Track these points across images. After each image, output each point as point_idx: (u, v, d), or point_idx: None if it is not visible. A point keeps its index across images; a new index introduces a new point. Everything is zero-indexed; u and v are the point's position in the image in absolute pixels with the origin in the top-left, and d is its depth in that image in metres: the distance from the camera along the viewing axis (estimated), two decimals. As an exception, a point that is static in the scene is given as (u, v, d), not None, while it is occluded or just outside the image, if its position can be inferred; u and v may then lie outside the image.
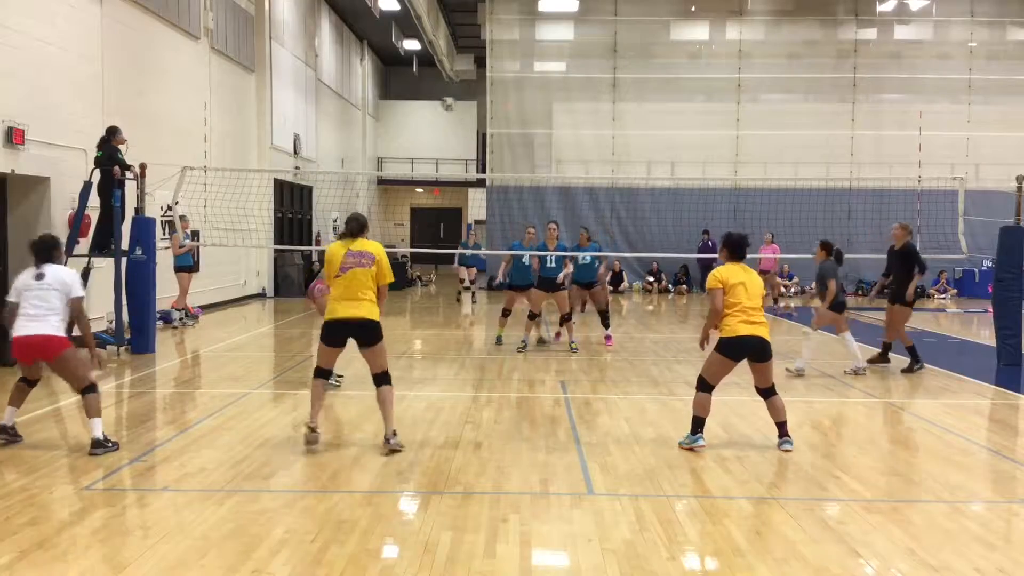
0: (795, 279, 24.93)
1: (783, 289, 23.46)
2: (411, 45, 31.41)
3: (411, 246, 34.15)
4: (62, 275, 7.11)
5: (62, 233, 12.28)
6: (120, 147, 12.16)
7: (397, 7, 25.22)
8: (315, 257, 23.77)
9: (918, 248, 11.59)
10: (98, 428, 6.78)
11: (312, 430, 6.86)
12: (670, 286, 25.05)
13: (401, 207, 37.21)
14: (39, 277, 7.10)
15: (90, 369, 7.08)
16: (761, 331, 6.85)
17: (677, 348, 13.26)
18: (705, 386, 7.01)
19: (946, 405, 9.04)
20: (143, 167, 12.37)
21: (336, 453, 6.83)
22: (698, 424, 7.02)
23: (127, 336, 11.84)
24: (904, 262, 11.19)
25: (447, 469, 6.39)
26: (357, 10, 27.48)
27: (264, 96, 21.50)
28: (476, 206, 34.87)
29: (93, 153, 12.20)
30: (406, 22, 27.18)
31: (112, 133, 12.13)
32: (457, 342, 13.98)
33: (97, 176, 12.11)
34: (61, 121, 12.36)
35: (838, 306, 10.73)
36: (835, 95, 26.30)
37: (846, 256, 21.04)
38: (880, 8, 26.38)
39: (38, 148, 11.80)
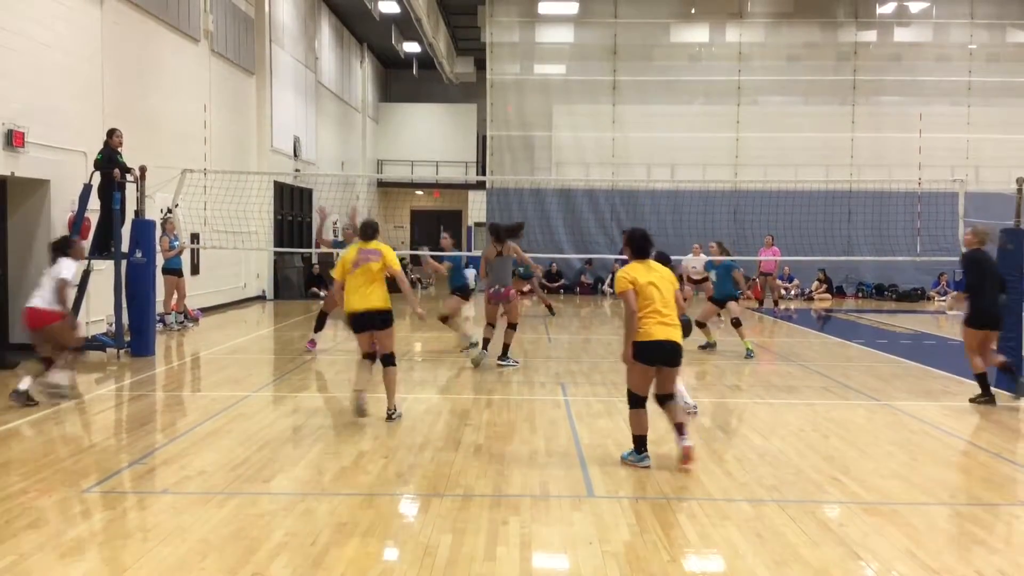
0: (795, 281, 24.94)
1: (783, 292, 23.47)
2: (411, 48, 31.43)
3: (411, 248, 34.13)
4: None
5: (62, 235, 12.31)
6: (118, 148, 12.15)
7: (397, 9, 25.24)
8: (315, 259, 23.77)
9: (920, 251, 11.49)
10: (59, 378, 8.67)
11: (359, 398, 7.87)
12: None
13: (401, 210, 37.19)
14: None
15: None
16: (676, 335, 6.48)
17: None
18: (636, 401, 6.54)
19: (946, 407, 9.03)
20: (143, 169, 12.37)
21: (336, 456, 6.82)
22: (640, 442, 6.58)
23: (127, 339, 11.84)
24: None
25: (447, 471, 6.38)
26: (357, 12, 27.50)
27: (264, 99, 21.52)
28: (476, 209, 34.83)
29: (93, 155, 12.21)
30: (406, 24, 27.21)
31: (110, 135, 12.13)
32: (457, 344, 13.97)
33: (97, 179, 12.11)
34: (61, 124, 12.37)
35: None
36: (835, 97, 26.33)
37: (846, 257, 21.08)
38: (880, 10, 26.42)
39: (38, 151, 11.80)
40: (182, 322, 15.10)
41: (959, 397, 9.66)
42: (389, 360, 8.03)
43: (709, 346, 13.08)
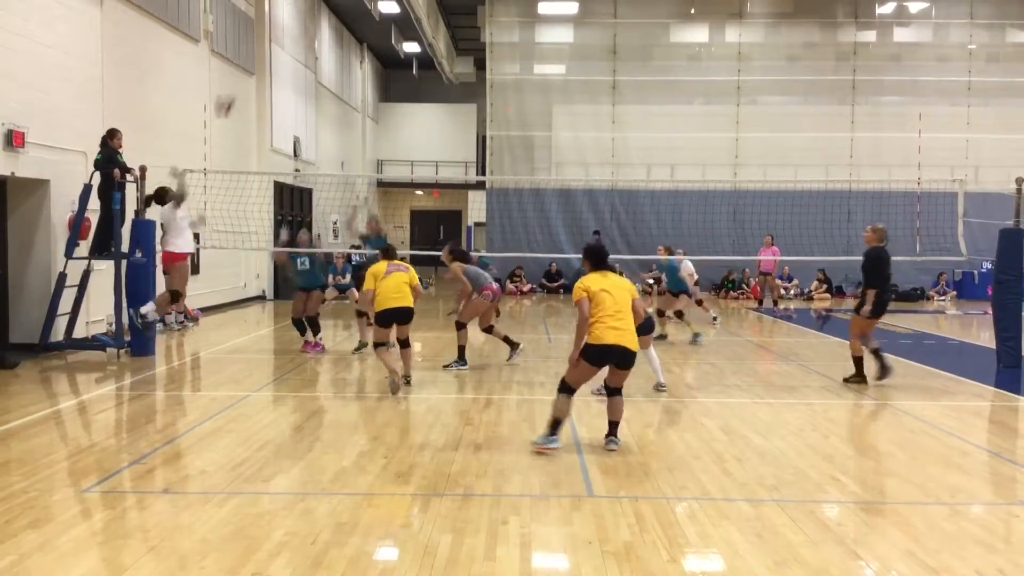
0: (795, 281, 24.95)
1: (782, 292, 23.48)
2: (411, 48, 31.43)
3: (411, 249, 34.17)
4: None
5: (61, 236, 12.32)
6: (119, 149, 12.16)
7: (397, 10, 25.23)
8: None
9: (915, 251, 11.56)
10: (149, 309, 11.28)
11: (393, 378, 9.35)
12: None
13: (401, 209, 37.23)
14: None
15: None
16: (627, 340, 6.85)
17: (677, 350, 13.26)
18: (566, 388, 6.98)
19: (946, 407, 9.03)
20: (143, 170, 12.37)
21: (336, 455, 6.83)
22: (555, 425, 7.00)
23: (127, 338, 11.84)
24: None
25: (447, 471, 6.39)
26: (357, 13, 27.50)
27: (264, 99, 21.51)
28: (476, 209, 34.88)
29: (93, 156, 12.21)
30: (406, 25, 27.21)
31: (111, 136, 12.14)
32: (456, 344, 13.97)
33: (97, 179, 12.12)
34: (61, 124, 12.37)
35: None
36: (835, 97, 26.34)
37: (845, 257, 21.09)
38: (879, 10, 26.43)
39: (38, 151, 11.81)
40: (182, 322, 15.11)
41: (958, 397, 9.67)
42: (406, 343, 10.04)
43: (661, 337, 13.58)
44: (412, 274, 9.97)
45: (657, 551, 4.85)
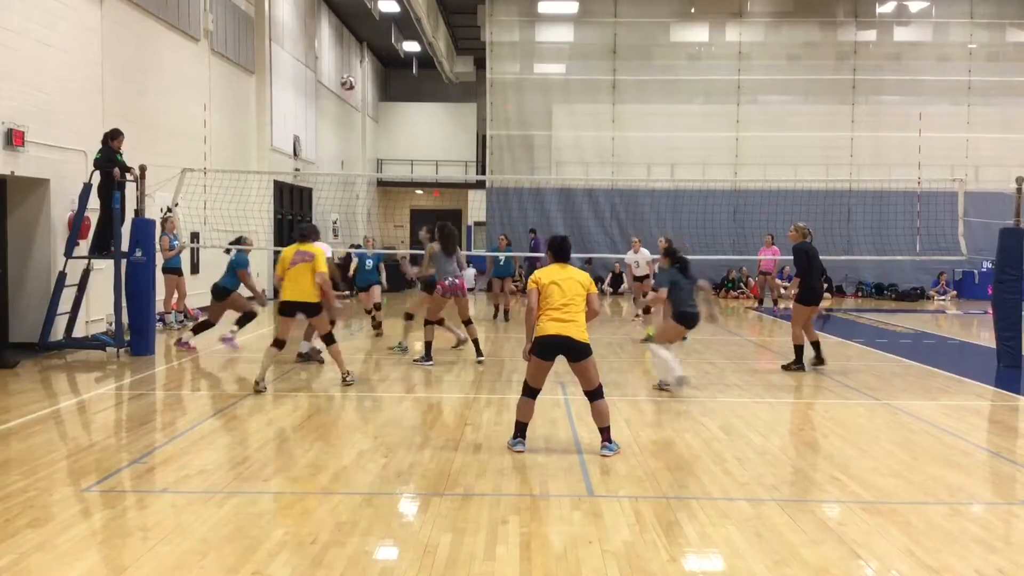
0: (795, 280, 24.89)
1: (782, 291, 23.47)
2: (411, 47, 31.42)
3: (411, 248, 34.12)
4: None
5: (61, 235, 12.32)
6: (119, 148, 12.16)
7: (397, 9, 25.22)
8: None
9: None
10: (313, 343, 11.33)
11: (258, 383, 9.21)
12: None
13: (401, 209, 37.20)
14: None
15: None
16: (569, 330, 6.74)
17: (677, 349, 13.24)
18: (528, 391, 6.96)
19: (946, 407, 9.03)
20: (143, 169, 12.37)
21: (336, 454, 6.83)
22: (519, 428, 7.00)
23: (127, 338, 11.84)
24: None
25: (447, 471, 6.38)
26: (357, 12, 27.49)
27: (264, 98, 21.51)
28: (476, 208, 34.87)
29: (93, 155, 12.21)
30: (406, 24, 27.20)
31: (112, 136, 12.14)
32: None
33: (97, 178, 12.12)
34: (61, 123, 12.37)
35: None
36: (835, 97, 26.34)
37: (846, 257, 21.15)
38: (880, 10, 26.43)
39: (38, 150, 11.81)
40: (182, 321, 15.10)
41: (959, 396, 9.67)
42: (330, 339, 9.68)
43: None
44: (319, 262, 9.23)
45: (657, 551, 4.85)
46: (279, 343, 9.41)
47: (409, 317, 12.50)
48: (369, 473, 6.33)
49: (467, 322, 11.76)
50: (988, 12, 26.22)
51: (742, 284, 24.86)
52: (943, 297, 24.61)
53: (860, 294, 25.57)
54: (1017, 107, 25.95)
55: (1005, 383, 10.56)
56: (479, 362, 11.52)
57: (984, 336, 15.19)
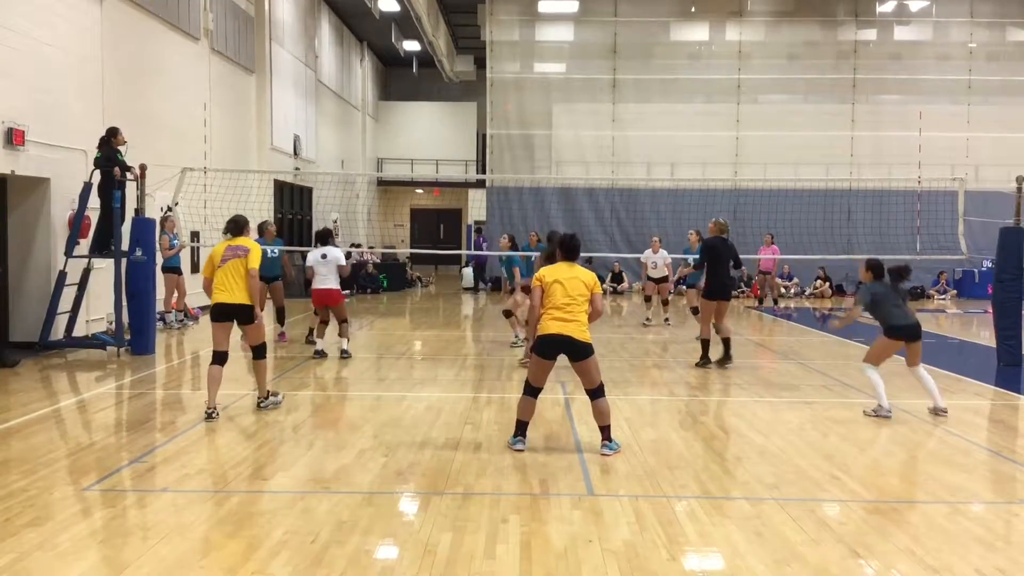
0: (795, 280, 24.94)
1: (782, 290, 23.48)
2: (411, 46, 31.42)
3: (411, 247, 34.16)
4: (336, 253, 11.61)
5: (62, 234, 12.32)
6: (120, 148, 12.17)
7: (397, 8, 25.22)
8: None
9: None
10: (345, 343, 11.72)
11: (208, 413, 7.95)
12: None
13: (401, 208, 37.20)
14: (323, 256, 11.57)
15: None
16: (570, 329, 6.71)
17: (677, 349, 13.26)
18: (529, 390, 6.94)
19: (946, 406, 9.02)
20: (143, 168, 12.37)
21: (336, 454, 6.83)
22: (520, 427, 6.99)
23: (127, 337, 11.84)
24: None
25: (447, 470, 6.39)
26: (357, 11, 27.49)
27: (264, 97, 21.50)
28: (476, 207, 34.86)
29: (93, 154, 12.21)
30: (406, 23, 27.19)
31: (112, 134, 12.14)
32: (457, 343, 13.99)
33: (97, 177, 12.12)
34: (61, 122, 12.37)
35: None
36: (835, 96, 26.33)
37: (846, 256, 21.18)
38: (880, 9, 26.41)
39: (38, 149, 11.81)
40: (182, 320, 15.10)
41: (959, 395, 9.67)
42: (260, 353, 8.45)
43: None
44: (252, 258, 8.07)
45: (657, 550, 4.85)
46: (220, 357, 8.20)
47: (508, 314, 12.80)
48: (369, 472, 6.33)
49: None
50: (988, 11, 26.20)
51: (743, 283, 24.86)
52: (943, 296, 24.60)
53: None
54: (1017, 107, 25.94)
55: (1005, 382, 10.56)
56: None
57: (984, 335, 15.19)
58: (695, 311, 13.89)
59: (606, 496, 5.83)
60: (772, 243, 20.91)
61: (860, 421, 8.29)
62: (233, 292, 8.01)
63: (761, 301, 21.93)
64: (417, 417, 8.23)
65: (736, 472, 6.43)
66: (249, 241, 8.36)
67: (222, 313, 8.10)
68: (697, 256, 12.32)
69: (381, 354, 12.56)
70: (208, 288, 8.18)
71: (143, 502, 5.69)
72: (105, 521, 5.27)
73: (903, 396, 9.57)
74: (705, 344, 11.37)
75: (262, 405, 8.41)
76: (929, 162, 24.83)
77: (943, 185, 19.12)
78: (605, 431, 6.91)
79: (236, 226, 8.45)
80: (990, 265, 18.35)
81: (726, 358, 11.27)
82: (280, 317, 13.65)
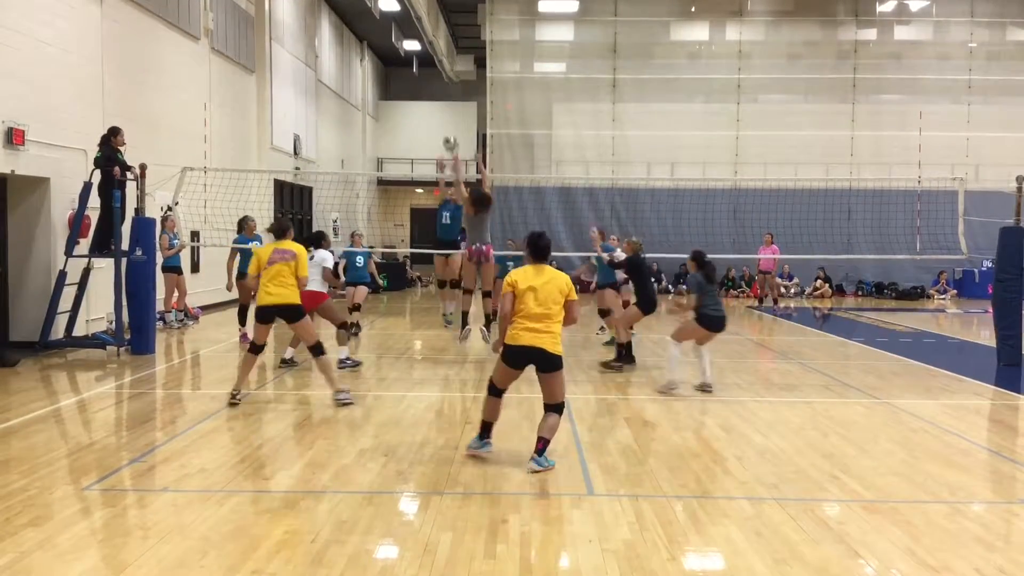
0: (795, 280, 24.94)
1: (782, 290, 23.47)
2: (411, 46, 31.40)
3: (411, 247, 34.13)
4: (323, 255, 10.90)
5: (62, 234, 12.32)
6: (120, 148, 12.17)
7: (397, 8, 25.22)
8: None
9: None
10: (344, 352, 10.87)
11: (233, 396, 8.55)
12: (670, 287, 25.04)
13: (401, 208, 37.16)
14: (311, 257, 10.37)
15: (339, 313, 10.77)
16: (543, 341, 6.35)
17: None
18: (493, 390, 6.69)
19: (946, 405, 9.03)
20: (143, 168, 12.37)
21: (336, 453, 6.83)
22: (485, 428, 6.72)
23: (127, 336, 11.84)
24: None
25: (447, 469, 6.39)
26: (357, 10, 27.48)
27: (264, 96, 21.50)
28: (476, 207, 34.76)
29: (93, 154, 12.21)
30: (406, 23, 27.19)
31: (113, 134, 12.14)
32: (457, 342, 13.97)
33: (97, 177, 12.12)
34: (61, 122, 12.37)
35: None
36: (835, 95, 26.33)
37: (846, 256, 21.12)
38: (880, 9, 26.42)
39: (38, 149, 11.81)
40: (182, 320, 15.10)
41: (958, 395, 9.67)
42: (318, 350, 8.72)
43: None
44: (301, 265, 8.48)
45: (657, 549, 4.85)
46: (257, 348, 8.66)
47: (604, 313, 13.07)
48: (369, 472, 6.33)
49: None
50: (988, 11, 26.21)
51: (742, 283, 24.87)
52: (943, 296, 24.60)
53: (860, 293, 25.57)
54: (1017, 106, 25.95)
55: (1005, 382, 10.56)
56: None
57: (984, 335, 15.20)
58: (603, 313, 13.31)
59: (606, 496, 5.83)
60: (772, 243, 20.90)
61: (860, 421, 8.29)
62: (278, 294, 8.40)
63: (761, 301, 21.93)
64: (417, 417, 8.23)
65: (736, 472, 6.43)
66: (295, 245, 8.64)
67: (267, 315, 8.50)
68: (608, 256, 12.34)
69: (381, 354, 12.57)
70: (255, 287, 8.67)
71: (143, 502, 5.69)
72: (105, 521, 5.27)
73: (903, 396, 9.58)
74: (628, 347, 11.35)
75: (338, 399, 8.62)
76: (929, 162, 24.84)
77: (943, 185, 19.09)
78: (542, 442, 6.41)
79: (279, 229, 8.82)
80: (990, 265, 18.36)
81: (624, 360, 11.27)
82: (243, 317, 13.16)
